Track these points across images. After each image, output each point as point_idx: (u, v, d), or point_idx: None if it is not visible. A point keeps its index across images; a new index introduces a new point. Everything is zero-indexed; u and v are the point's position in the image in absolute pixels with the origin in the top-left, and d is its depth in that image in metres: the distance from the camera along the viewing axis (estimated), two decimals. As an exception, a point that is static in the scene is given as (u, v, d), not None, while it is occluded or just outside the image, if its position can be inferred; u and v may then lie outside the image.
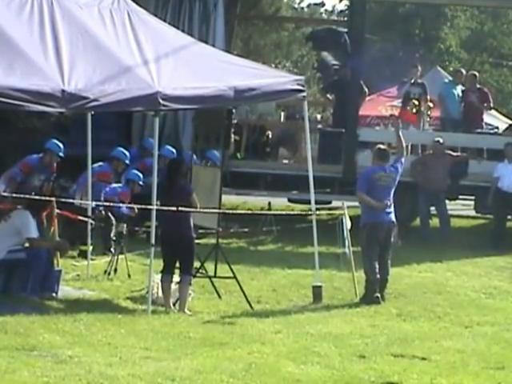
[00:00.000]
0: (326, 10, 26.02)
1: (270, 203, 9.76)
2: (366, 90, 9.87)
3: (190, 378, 4.00)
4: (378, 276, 6.14)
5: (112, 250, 6.96)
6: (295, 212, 7.75)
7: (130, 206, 7.19)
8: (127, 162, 7.90)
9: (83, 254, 6.91)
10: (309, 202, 6.39)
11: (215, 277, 6.13)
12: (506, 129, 10.71)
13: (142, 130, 9.33)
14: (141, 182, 7.75)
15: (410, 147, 9.97)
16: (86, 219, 6.65)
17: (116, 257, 6.65)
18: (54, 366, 4.04)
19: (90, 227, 6.72)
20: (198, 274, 6.09)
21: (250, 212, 8.23)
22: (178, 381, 3.96)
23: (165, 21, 7.45)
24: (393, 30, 21.39)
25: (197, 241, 5.96)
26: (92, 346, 4.46)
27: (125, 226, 6.87)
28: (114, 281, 6.48)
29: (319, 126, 10.54)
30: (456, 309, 6.08)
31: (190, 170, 6.37)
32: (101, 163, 7.65)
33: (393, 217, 6.22)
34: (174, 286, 5.79)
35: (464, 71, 10.54)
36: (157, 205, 5.49)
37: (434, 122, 10.50)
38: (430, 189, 8.91)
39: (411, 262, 7.72)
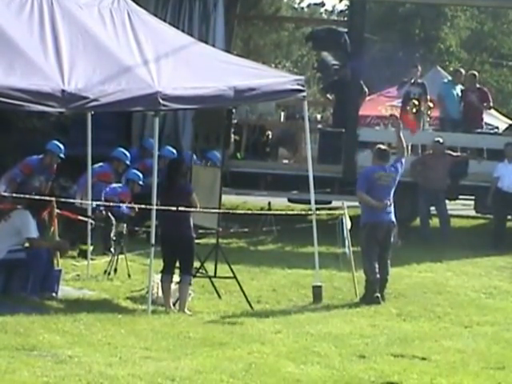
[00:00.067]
0: (325, 10, 26.06)
1: (269, 203, 9.75)
2: (366, 89, 9.87)
3: (190, 377, 4.00)
4: (378, 276, 6.14)
5: (112, 249, 6.96)
6: (295, 212, 7.74)
7: (130, 205, 7.19)
8: (128, 162, 7.90)
9: (83, 254, 6.91)
10: (309, 202, 6.39)
11: (215, 277, 6.13)
12: (506, 129, 10.71)
13: (142, 129, 9.33)
14: (141, 182, 7.76)
15: (410, 147, 10.05)
16: (85, 219, 6.64)
17: (116, 257, 6.65)
18: (53, 366, 4.04)
19: (89, 227, 6.72)
20: (198, 274, 6.09)
21: (249, 212, 8.22)
22: (178, 381, 3.96)
23: (165, 21, 7.45)
24: (393, 29, 21.39)
25: (197, 241, 5.96)
26: (92, 345, 4.46)
27: (125, 225, 6.87)
28: (114, 281, 6.48)
29: (319, 126, 10.54)
30: (456, 309, 6.08)
31: (189, 169, 6.38)
32: (101, 164, 7.65)
33: (393, 217, 6.22)
34: (173, 286, 5.78)
35: (463, 71, 10.55)
36: (157, 205, 5.49)
37: (433, 122, 10.50)
38: (430, 189, 8.91)
39: (411, 261, 7.72)
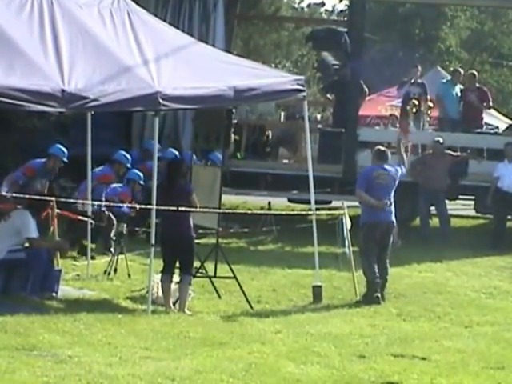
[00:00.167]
0: (325, 10, 26.04)
1: (269, 203, 9.75)
2: (366, 89, 9.87)
3: (190, 377, 4.00)
4: (378, 275, 6.14)
5: (112, 249, 6.96)
6: (295, 212, 7.74)
7: (130, 206, 7.19)
8: (128, 165, 7.89)
9: (83, 251, 6.90)
10: (309, 202, 6.39)
11: (215, 277, 6.13)
12: (506, 129, 10.71)
13: (142, 129, 9.33)
14: (141, 182, 7.75)
15: (409, 147, 10.06)
16: (85, 219, 6.64)
17: (116, 257, 6.65)
18: (53, 366, 4.04)
19: (89, 227, 6.72)
20: (198, 274, 6.09)
21: (249, 212, 8.21)
22: (178, 380, 3.96)
23: (165, 21, 7.45)
24: (393, 29, 21.39)
25: (197, 241, 5.96)
26: (92, 345, 4.46)
27: (125, 225, 6.87)
28: (114, 281, 6.48)
29: (319, 126, 10.54)
30: (456, 309, 6.08)
31: (189, 170, 6.37)
32: (102, 167, 7.66)
33: (393, 217, 6.22)
34: (173, 286, 5.78)
35: (462, 70, 10.56)
36: (157, 205, 5.48)
37: (433, 122, 10.50)
38: (429, 189, 8.91)
39: (411, 261, 7.72)
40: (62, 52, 5.44)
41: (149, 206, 5.54)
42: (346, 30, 10.31)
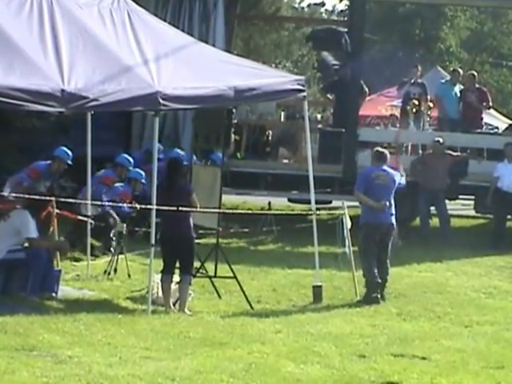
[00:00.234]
0: (326, 10, 26.05)
1: (270, 203, 9.75)
2: (367, 89, 9.87)
3: (190, 377, 4.00)
4: (377, 275, 6.14)
5: (112, 249, 6.95)
6: (295, 212, 7.75)
7: (130, 205, 7.19)
8: (131, 168, 7.85)
9: (92, 251, 6.86)
10: (309, 202, 6.39)
11: (215, 277, 6.13)
12: (506, 129, 10.71)
13: (142, 129, 9.33)
14: (143, 181, 7.73)
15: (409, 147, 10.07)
16: (85, 219, 6.64)
17: (116, 257, 6.65)
18: (53, 366, 4.04)
19: (89, 227, 6.72)
20: (198, 274, 6.09)
21: (250, 212, 8.22)
22: (178, 381, 3.96)
23: (165, 20, 7.45)
24: (393, 30, 21.40)
25: (197, 241, 5.96)
26: (92, 345, 4.46)
27: (124, 225, 6.87)
28: (114, 281, 6.48)
29: (319, 126, 10.54)
30: (456, 308, 6.08)
31: (189, 169, 6.37)
32: (104, 170, 7.66)
33: (393, 219, 6.22)
34: (174, 286, 5.78)
35: (461, 70, 10.56)
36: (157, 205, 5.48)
37: (434, 122, 10.50)
38: (429, 188, 8.91)
39: (411, 261, 7.71)
40: (61, 52, 5.43)
41: (149, 206, 5.53)
42: (346, 30, 10.30)
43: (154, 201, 5.46)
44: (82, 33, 5.66)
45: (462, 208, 10.48)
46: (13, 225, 5.75)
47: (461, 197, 9.74)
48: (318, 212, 6.42)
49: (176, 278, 5.80)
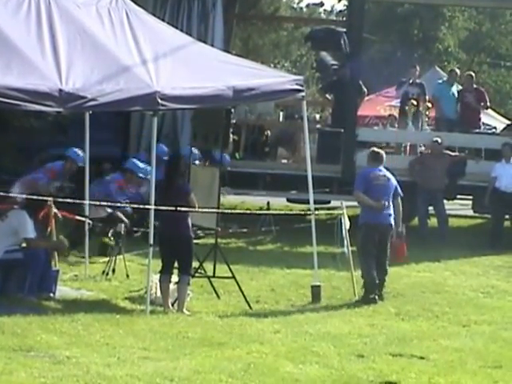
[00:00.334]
0: (324, 10, 26.02)
1: (268, 203, 9.75)
2: (365, 90, 9.87)
3: (189, 378, 4.00)
4: (376, 277, 6.14)
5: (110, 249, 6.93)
6: (294, 212, 7.74)
7: (129, 206, 7.17)
8: (141, 175, 7.77)
9: (103, 249, 6.81)
10: (307, 202, 6.39)
11: (214, 277, 6.13)
12: (504, 129, 10.72)
13: (141, 129, 9.32)
14: (141, 175, 7.67)
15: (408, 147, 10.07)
16: (83, 219, 6.64)
17: (114, 257, 6.64)
18: (51, 367, 4.03)
19: (87, 227, 6.71)
20: (197, 274, 6.08)
21: (248, 212, 8.21)
22: (177, 381, 3.96)
23: (163, 20, 7.44)
24: (391, 30, 21.42)
25: (195, 241, 5.95)
26: (90, 346, 4.45)
27: (123, 226, 6.85)
28: (112, 281, 6.47)
29: (318, 126, 10.54)
30: (454, 308, 6.09)
31: (188, 169, 6.35)
32: (113, 174, 7.63)
33: (391, 219, 6.22)
34: (172, 286, 5.77)
35: (458, 71, 10.58)
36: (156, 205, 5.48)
37: (432, 122, 10.51)
38: (428, 188, 8.92)
39: (410, 261, 7.71)
40: (59, 51, 5.42)
41: (147, 206, 5.53)
42: (344, 30, 10.31)
43: (153, 201, 5.46)
44: (80, 32, 5.65)
45: (460, 208, 10.49)
46: (10, 225, 5.73)
47: (459, 197, 9.75)
48: (316, 212, 6.41)
49: (174, 278, 5.79)
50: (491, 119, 12.29)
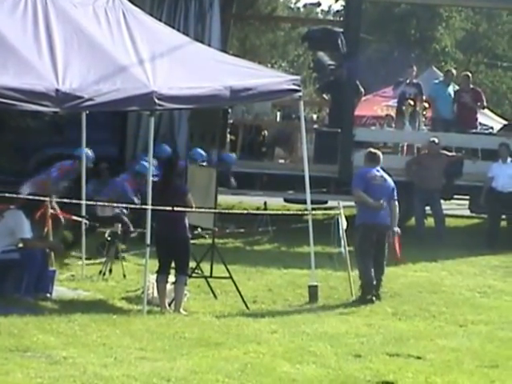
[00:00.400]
0: (322, 10, 26.04)
1: (265, 203, 9.74)
2: (362, 90, 9.88)
3: (186, 378, 3.99)
4: (373, 277, 6.15)
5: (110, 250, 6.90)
6: (291, 212, 7.74)
7: (124, 206, 7.16)
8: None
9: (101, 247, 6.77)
10: (305, 202, 6.40)
11: (211, 277, 6.12)
12: (501, 129, 10.74)
13: (137, 129, 9.31)
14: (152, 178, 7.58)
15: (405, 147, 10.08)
16: (80, 219, 6.63)
17: (111, 257, 6.63)
18: (48, 367, 4.03)
19: (84, 227, 6.70)
20: (194, 274, 6.08)
21: (245, 212, 8.21)
22: (174, 381, 3.95)
23: (160, 20, 7.44)
24: (388, 30, 21.46)
25: (192, 241, 5.94)
26: (87, 346, 4.45)
27: (119, 226, 6.84)
28: (109, 281, 6.46)
29: (315, 126, 10.55)
30: (451, 308, 6.09)
31: (185, 169, 6.35)
32: (122, 175, 7.61)
33: (388, 220, 6.22)
34: (169, 286, 5.77)
35: (454, 71, 10.59)
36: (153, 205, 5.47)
37: (429, 122, 10.52)
38: (425, 188, 8.93)
39: (407, 261, 7.72)
40: (56, 51, 5.41)
41: (144, 207, 5.52)
42: (341, 30, 10.31)
43: (150, 201, 5.45)
44: (77, 32, 5.64)
45: (456, 208, 10.51)
46: (7, 225, 5.72)
47: (456, 197, 9.77)
48: (313, 212, 6.43)
49: (171, 278, 5.79)
50: (488, 119, 12.32)
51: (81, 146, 6.68)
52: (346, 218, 6.47)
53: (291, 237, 8.01)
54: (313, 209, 6.44)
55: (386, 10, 21.43)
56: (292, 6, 24.48)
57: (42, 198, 5.98)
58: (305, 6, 25.27)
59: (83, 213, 6.65)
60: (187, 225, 5.74)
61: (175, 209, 5.51)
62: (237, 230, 8.08)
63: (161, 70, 5.61)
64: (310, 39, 11.45)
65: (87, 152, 7.30)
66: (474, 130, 9.82)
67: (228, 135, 9.62)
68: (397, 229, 6.31)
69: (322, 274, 6.78)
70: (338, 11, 22.93)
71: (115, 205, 7.31)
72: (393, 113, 10.94)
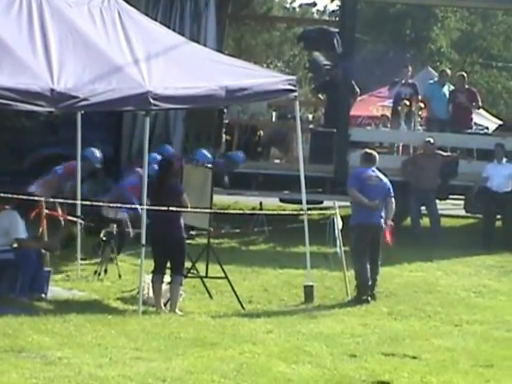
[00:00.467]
0: (317, 10, 26.04)
1: (261, 203, 9.74)
2: (358, 90, 9.89)
3: (181, 378, 3.99)
4: (369, 278, 6.15)
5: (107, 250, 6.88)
6: (287, 212, 7.74)
7: (117, 206, 7.14)
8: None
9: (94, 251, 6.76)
10: (300, 202, 6.40)
11: (206, 277, 6.12)
12: (496, 129, 10.78)
13: (133, 129, 9.29)
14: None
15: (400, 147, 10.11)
16: (75, 219, 6.61)
17: (106, 257, 6.61)
18: (42, 368, 4.02)
19: (79, 227, 6.68)
20: (190, 275, 6.08)
21: (241, 212, 8.21)
22: (169, 381, 3.95)
23: (156, 20, 7.42)
24: (384, 30, 21.49)
25: (188, 241, 5.94)
26: (82, 346, 4.44)
27: (115, 226, 6.83)
28: (105, 281, 6.45)
29: (311, 126, 10.55)
30: (446, 307, 6.11)
31: (181, 169, 6.34)
32: (131, 178, 7.57)
33: (382, 220, 6.23)
34: (165, 287, 5.77)
35: (449, 71, 10.62)
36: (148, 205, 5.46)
37: (424, 123, 10.55)
38: (420, 188, 8.95)
39: (402, 261, 7.75)
40: (51, 51, 5.40)
41: (139, 206, 5.51)
42: (337, 30, 10.32)
43: (145, 201, 5.44)
44: (72, 32, 5.63)
45: (452, 208, 10.55)
46: (2, 225, 5.71)
47: (451, 196, 9.79)
48: (309, 212, 6.43)
49: (167, 278, 5.78)
50: (483, 119, 12.35)
51: (76, 146, 6.65)
52: (342, 217, 6.47)
53: (287, 237, 8.01)
54: (308, 209, 6.44)
55: (382, 10, 21.46)
56: (287, 5, 24.49)
57: (36, 198, 5.96)
58: (300, 5, 25.30)
59: (78, 213, 6.63)
60: (183, 225, 5.74)
61: (170, 209, 5.50)
62: (232, 230, 8.08)
63: (156, 70, 5.60)
64: (305, 39, 11.46)
65: (95, 152, 7.27)
66: (469, 130, 9.84)
67: (223, 135, 9.62)
68: (390, 221, 6.31)
69: (318, 274, 6.79)
70: (333, 11, 22.95)
71: (112, 205, 7.27)
72: (388, 113, 10.95)
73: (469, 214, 9.90)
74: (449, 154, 9.46)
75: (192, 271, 6.12)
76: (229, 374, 4.09)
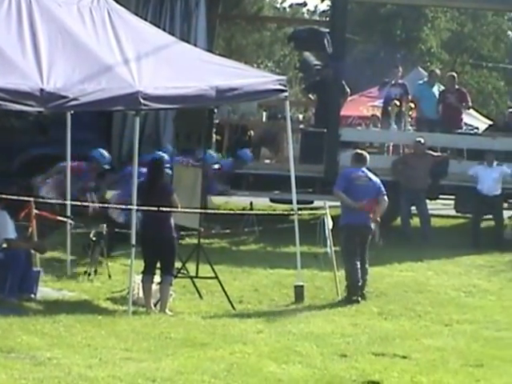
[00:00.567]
0: (308, 10, 26.10)
1: (251, 203, 9.74)
2: (348, 90, 9.92)
3: (171, 378, 3.99)
4: (359, 278, 6.17)
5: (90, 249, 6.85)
6: (277, 212, 7.76)
7: (110, 206, 7.11)
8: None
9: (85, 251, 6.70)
10: (291, 202, 6.40)
11: (197, 277, 6.12)
12: (486, 129, 10.85)
13: (123, 129, 9.26)
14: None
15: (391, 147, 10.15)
16: (65, 219, 6.57)
17: (96, 257, 6.58)
18: (32, 369, 4.00)
19: (69, 227, 6.65)
20: (180, 275, 6.07)
21: (231, 212, 8.20)
22: (159, 382, 3.94)
23: (146, 20, 7.40)
24: (374, 30, 21.58)
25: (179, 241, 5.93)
26: (71, 347, 4.42)
27: (104, 226, 6.80)
28: (94, 281, 6.43)
29: (301, 126, 10.57)
30: (436, 307, 6.14)
31: (171, 169, 6.33)
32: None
33: (370, 221, 6.24)
34: (155, 287, 5.75)
35: (439, 71, 10.66)
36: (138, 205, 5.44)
37: (415, 123, 10.59)
38: (411, 188, 8.98)
39: (392, 261, 7.77)
40: (40, 50, 5.37)
41: (129, 207, 5.50)
42: (327, 30, 10.34)
43: (135, 201, 5.43)
44: (62, 31, 5.60)
45: (442, 208, 10.60)
46: (-10, 226, 5.67)
47: (441, 196, 9.85)
48: (299, 212, 6.43)
49: (157, 278, 5.77)
50: (473, 120, 12.42)
51: (66, 146, 6.62)
52: (332, 218, 6.49)
53: (277, 237, 8.01)
54: (299, 209, 6.44)
55: (372, 10, 21.54)
56: (278, 5, 24.52)
57: (26, 199, 5.92)
58: (291, 5, 25.33)
59: (68, 213, 6.59)
60: (173, 225, 5.72)
61: (160, 209, 5.49)
62: (223, 230, 8.07)
63: (146, 70, 5.59)
64: (296, 39, 11.46)
65: (103, 153, 7.20)
66: (459, 131, 9.90)
67: (214, 135, 9.60)
68: (378, 218, 6.29)
69: (308, 274, 6.80)
70: (323, 11, 23.02)
71: (108, 205, 7.23)
72: (378, 113, 10.99)
73: (459, 214, 9.96)
74: (439, 154, 9.51)
75: (182, 271, 6.10)
76: (219, 374, 4.09)
